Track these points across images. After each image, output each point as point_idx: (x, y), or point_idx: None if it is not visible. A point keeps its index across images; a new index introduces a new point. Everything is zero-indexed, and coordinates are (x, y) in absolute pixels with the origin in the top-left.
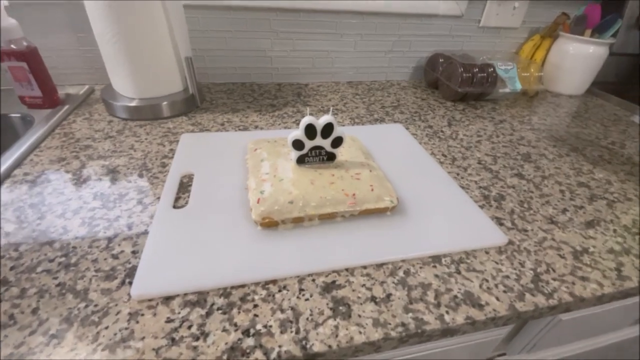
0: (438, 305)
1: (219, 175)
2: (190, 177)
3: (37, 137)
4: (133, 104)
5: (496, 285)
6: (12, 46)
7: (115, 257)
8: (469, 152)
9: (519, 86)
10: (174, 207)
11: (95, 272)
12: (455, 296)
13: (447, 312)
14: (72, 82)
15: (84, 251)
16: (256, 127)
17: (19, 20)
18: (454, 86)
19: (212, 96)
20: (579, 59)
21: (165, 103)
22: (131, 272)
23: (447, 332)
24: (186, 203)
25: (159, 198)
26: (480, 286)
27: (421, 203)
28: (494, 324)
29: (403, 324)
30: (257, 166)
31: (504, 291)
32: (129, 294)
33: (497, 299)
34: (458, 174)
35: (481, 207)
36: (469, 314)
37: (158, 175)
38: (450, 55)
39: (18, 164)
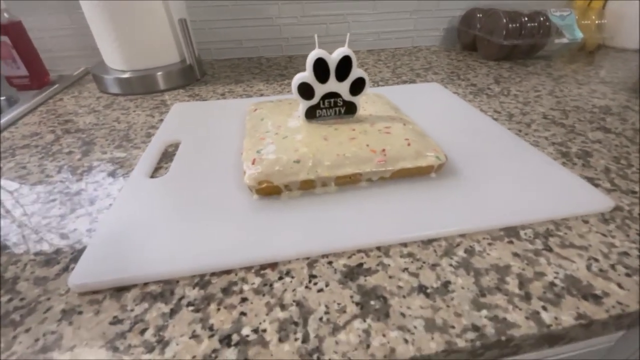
0: (528, 298)
1: (211, 142)
2: (177, 146)
3: (14, 114)
4: (124, 76)
5: (612, 267)
6: None
7: (64, 236)
8: (529, 108)
9: (579, 34)
10: (152, 177)
11: (34, 255)
12: (552, 283)
13: (545, 309)
14: (67, 65)
15: (28, 230)
16: (261, 95)
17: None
18: (497, 40)
19: (214, 71)
20: None
21: (160, 74)
22: (79, 256)
23: (548, 339)
24: (166, 172)
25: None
26: (589, 268)
27: (477, 163)
28: (618, 325)
29: (475, 327)
30: (257, 126)
31: (627, 274)
32: (67, 284)
33: (620, 286)
34: (520, 131)
35: (562, 165)
36: (580, 311)
37: (140, 146)
38: (491, 7)
39: None
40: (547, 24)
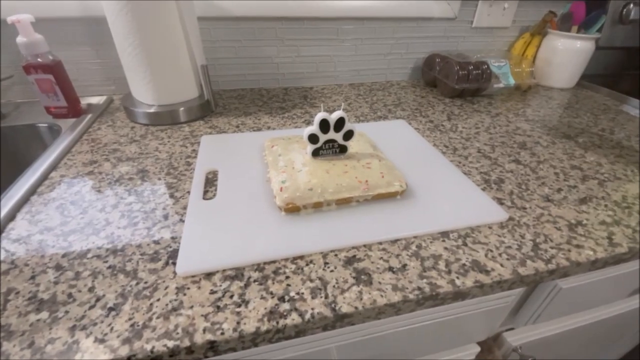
0: (449, 272)
1: (240, 170)
2: (214, 173)
3: (66, 143)
4: (152, 110)
5: (500, 255)
6: (39, 60)
7: (156, 242)
8: (469, 143)
9: (512, 81)
10: (204, 198)
11: (140, 255)
12: (464, 264)
13: (458, 278)
14: (91, 94)
15: (128, 239)
16: (268, 127)
17: (42, 35)
18: (451, 83)
19: (224, 102)
20: (567, 53)
21: (182, 109)
22: (173, 255)
23: (459, 294)
24: (214, 195)
25: (189, 192)
26: (486, 255)
27: (428, 188)
28: (500, 287)
29: (419, 288)
30: (276, 160)
31: (507, 259)
32: (174, 272)
33: (502, 265)
34: (460, 162)
35: (483, 189)
36: (477, 279)
37: (185, 173)
38: (447, 55)
39: (53, 167)
40: (488, 71)
